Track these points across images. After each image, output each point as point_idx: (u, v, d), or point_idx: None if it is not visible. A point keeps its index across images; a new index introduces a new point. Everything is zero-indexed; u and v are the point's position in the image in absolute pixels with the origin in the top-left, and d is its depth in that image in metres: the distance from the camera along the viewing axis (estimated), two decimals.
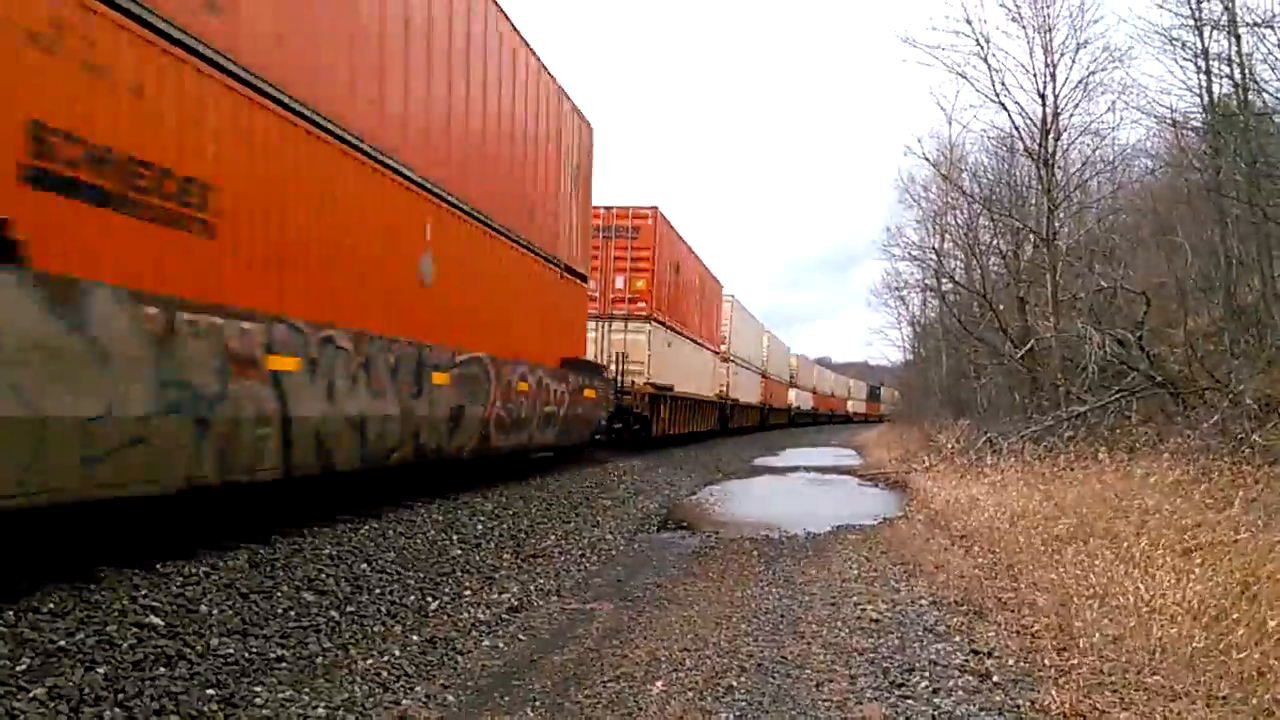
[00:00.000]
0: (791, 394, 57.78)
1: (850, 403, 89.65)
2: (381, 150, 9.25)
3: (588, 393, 17.26)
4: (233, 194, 6.91)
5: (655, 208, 23.41)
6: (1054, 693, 5.26)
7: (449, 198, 10.98)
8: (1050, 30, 19.47)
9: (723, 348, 35.19)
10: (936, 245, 30.91)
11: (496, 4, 12.32)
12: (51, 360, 5.25)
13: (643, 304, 22.86)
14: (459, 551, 9.45)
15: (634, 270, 22.70)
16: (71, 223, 5.47)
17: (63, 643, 4.95)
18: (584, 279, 17.77)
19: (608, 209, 21.85)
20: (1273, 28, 13.10)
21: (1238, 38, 13.77)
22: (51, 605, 5.34)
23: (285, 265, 7.72)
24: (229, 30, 6.84)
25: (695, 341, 29.69)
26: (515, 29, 13.10)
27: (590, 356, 19.20)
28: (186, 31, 6.40)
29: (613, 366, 21.12)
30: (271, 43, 7.42)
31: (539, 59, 14.18)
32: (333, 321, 8.33)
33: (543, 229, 14.85)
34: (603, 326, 21.86)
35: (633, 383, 22.20)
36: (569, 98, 16.05)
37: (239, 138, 7.03)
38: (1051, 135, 19.62)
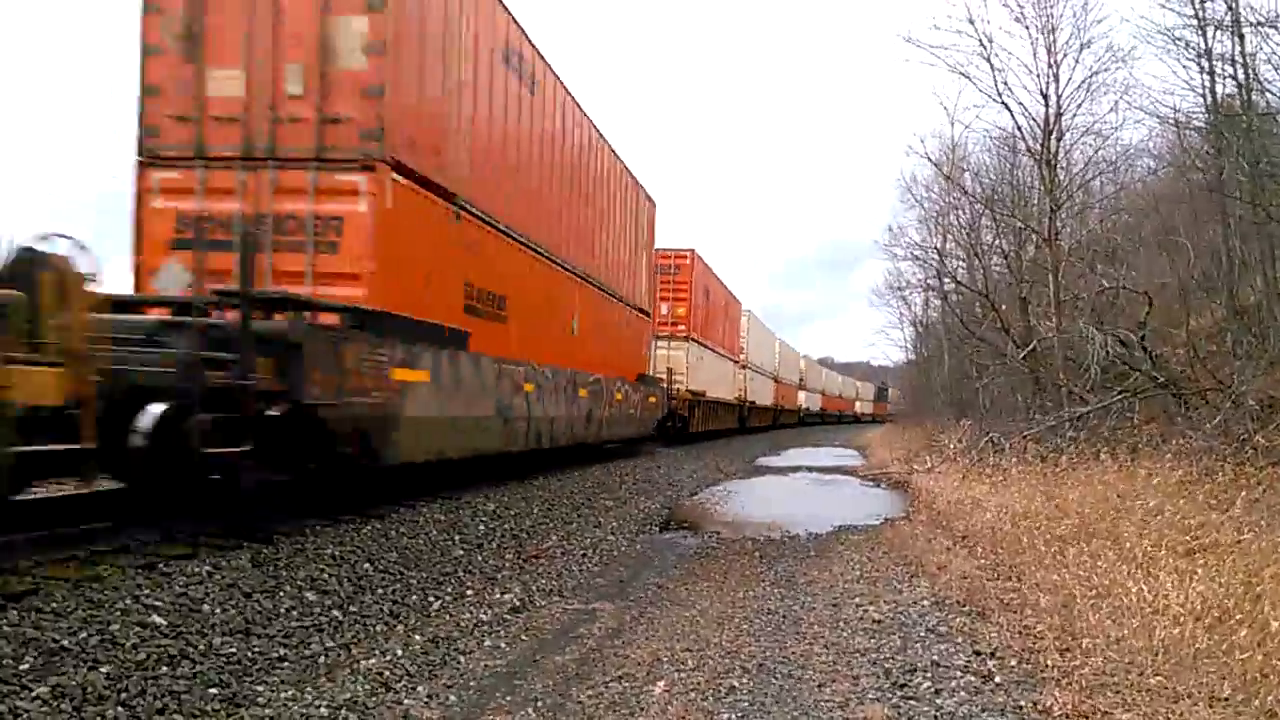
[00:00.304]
0: (801, 395, 60.98)
1: (858, 403, 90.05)
2: (554, 254, 14.94)
3: (651, 399, 23.10)
4: (512, 299, 12.92)
5: (692, 250, 28.89)
6: (1056, 693, 5.25)
7: (584, 275, 16.94)
8: (1053, 30, 19.43)
9: (741, 357, 39.05)
10: (938, 245, 30.84)
11: (607, 142, 18.22)
12: (476, 390, 11.15)
13: (682, 326, 28.38)
14: (461, 551, 9.45)
15: (675, 299, 28.19)
16: (476, 327, 11.44)
17: (66, 642, 4.95)
18: (649, 315, 23.77)
19: (657, 251, 25.66)
20: (1276, 27, 13.06)
21: (1241, 37, 13.74)
22: (54, 604, 5.35)
23: (526, 329, 13.44)
24: (510, 216, 12.64)
25: (719, 353, 34.23)
26: (615, 154, 19.04)
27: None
28: (502, 223, 12.42)
29: (664, 378, 25.97)
30: (526, 217, 13.38)
31: (625, 165, 20.06)
32: (539, 360, 13.82)
33: (627, 285, 20.84)
34: (653, 344, 25.98)
35: (676, 390, 27.03)
36: (643, 188, 22.07)
37: (518, 269, 13.30)
38: (1054, 135, 19.59)
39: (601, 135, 17.79)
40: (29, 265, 6.01)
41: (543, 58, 13.79)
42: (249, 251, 7.45)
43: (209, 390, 6.91)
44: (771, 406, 48.68)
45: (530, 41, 13.10)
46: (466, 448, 11.40)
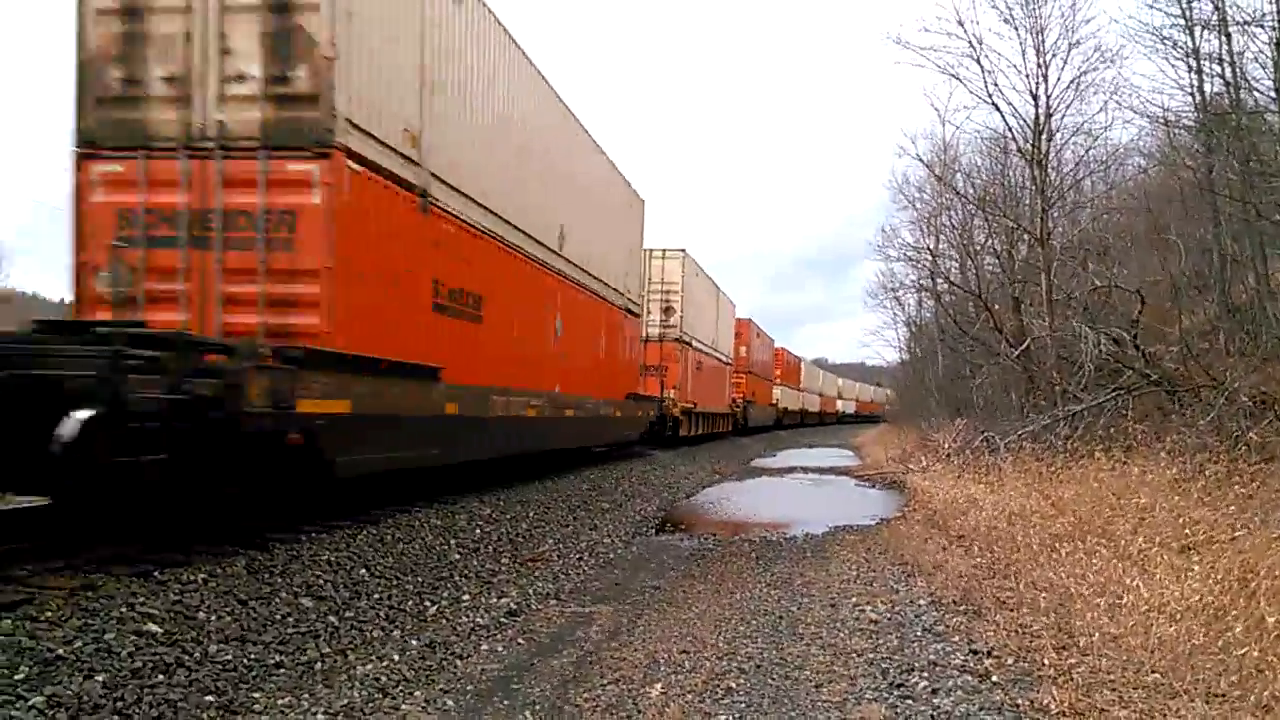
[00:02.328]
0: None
1: (841, 402, 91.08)
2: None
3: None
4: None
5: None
6: (1053, 691, 5.26)
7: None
8: (1042, 31, 19.50)
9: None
10: (931, 246, 30.91)
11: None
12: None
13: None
14: (457, 556, 9.44)
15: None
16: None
17: (61, 651, 4.93)
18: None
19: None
20: (1263, 26, 13.13)
21: (1229, 36, 13.81)
22: (49, 613, 5.33)
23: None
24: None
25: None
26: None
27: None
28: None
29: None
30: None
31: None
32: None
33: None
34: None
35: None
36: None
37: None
38: (1044, 135, 19.65)
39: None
40: None
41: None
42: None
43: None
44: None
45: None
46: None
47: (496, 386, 12.16)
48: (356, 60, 8.48)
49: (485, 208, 11.69)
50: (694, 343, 29.27)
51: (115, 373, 6.08)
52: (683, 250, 27.45)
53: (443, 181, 10.35)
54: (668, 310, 27.03)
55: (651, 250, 25.80)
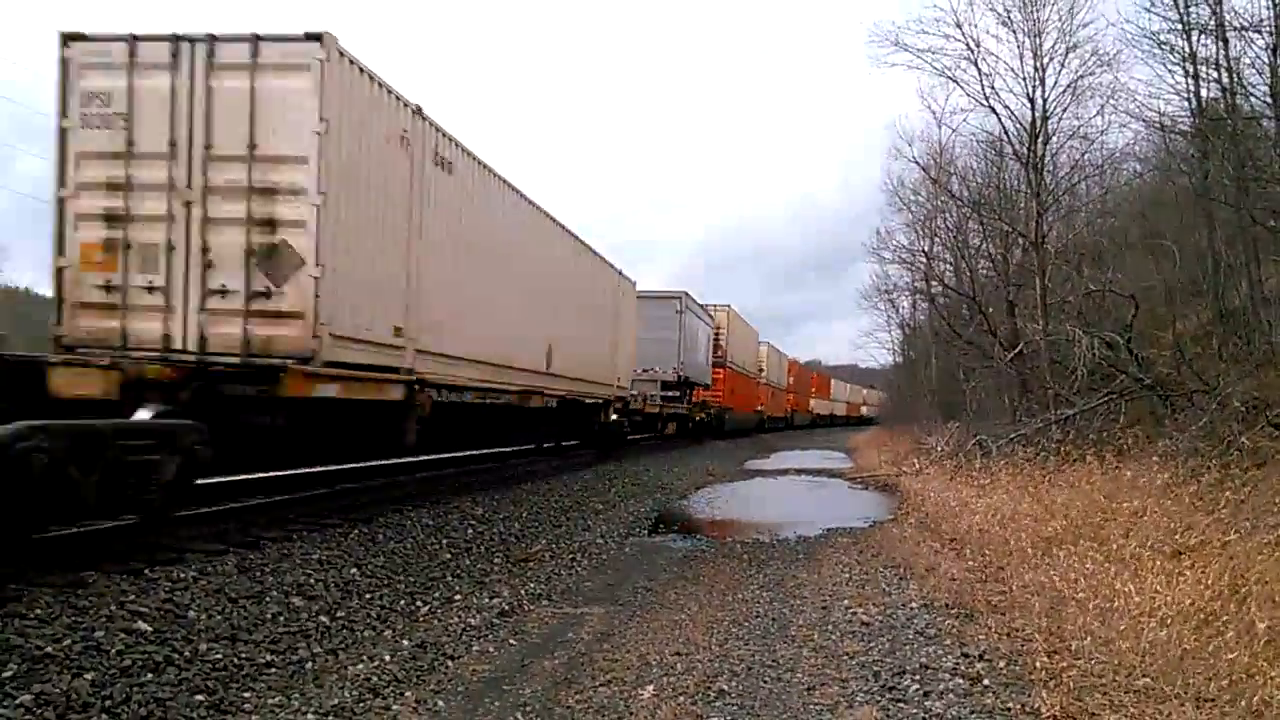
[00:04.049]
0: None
1: (864, 407, 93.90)
2: None
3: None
4: None
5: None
6: (1044, 695, 5.27)
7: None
8: (1040, 34, 19.50)
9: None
10: (926, 248, 30.95)
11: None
12: None
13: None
14: (449, 555, 9.42)
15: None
16: None
17: (50, 649, 4.91)
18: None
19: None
20: (1260, 32, 13.15)
21: (1225, 42, 13.82)
22: (39, 611, 5.31)
23: None
24: None
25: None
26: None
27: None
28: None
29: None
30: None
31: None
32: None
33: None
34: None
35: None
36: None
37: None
38: (1040, 139, 19.66)
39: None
40: None
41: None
42: None
43: None
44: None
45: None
46: None
47: None
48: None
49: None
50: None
51: None
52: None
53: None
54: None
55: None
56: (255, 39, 8.38)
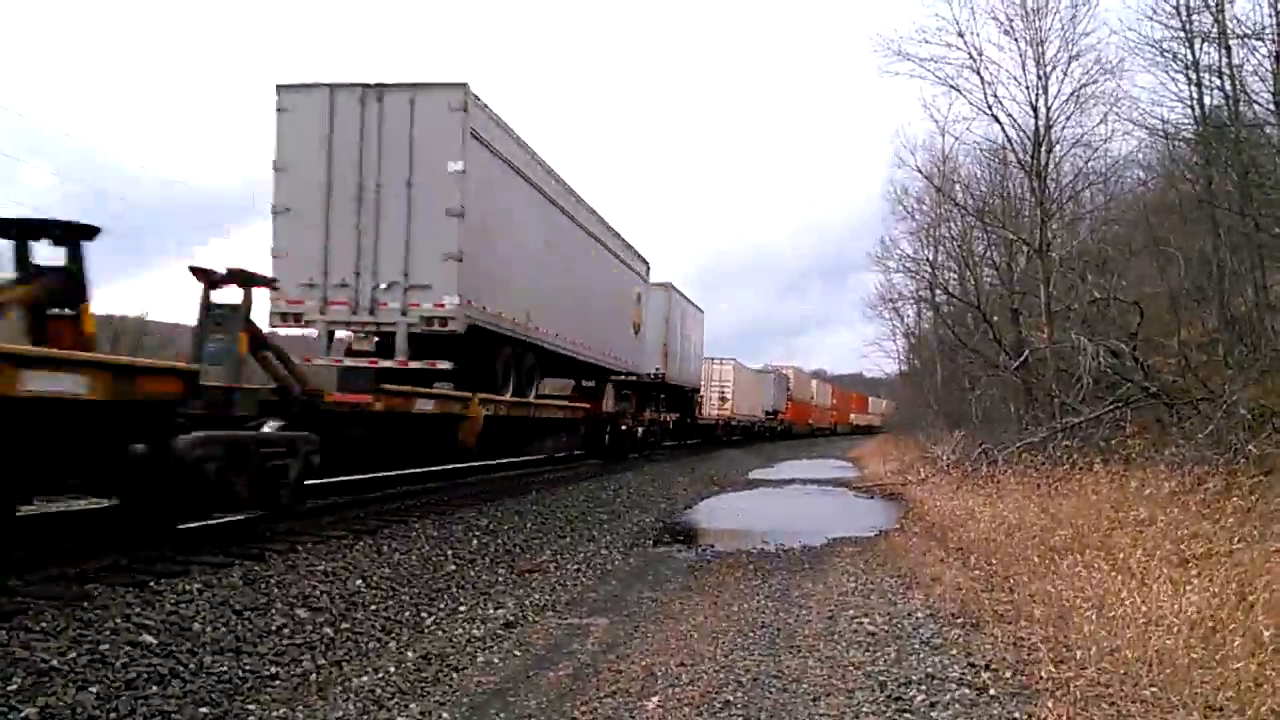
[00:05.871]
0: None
1: (884, 417, 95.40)
2: None
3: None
4: None
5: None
6: (1051, 705, 5.24)
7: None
8: (1042, 43, 19.54)
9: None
10: (930, 257, 31.00)
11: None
12: None
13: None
14: (454, 567, 9.42)
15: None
16: None
17: (55, 662, 4.92)
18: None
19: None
20: (1263, 39, 13.18)
21: (1228, 49, 13.85)
22: (44, 624, 5.31)
23: None
24: None
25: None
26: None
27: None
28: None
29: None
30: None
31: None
32: None
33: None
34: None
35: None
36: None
37: None
38: (1044, 147, 19.67)
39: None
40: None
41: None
42: None
43: None
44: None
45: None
46: None
47: None
48: None
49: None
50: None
51: None
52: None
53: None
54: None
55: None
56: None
